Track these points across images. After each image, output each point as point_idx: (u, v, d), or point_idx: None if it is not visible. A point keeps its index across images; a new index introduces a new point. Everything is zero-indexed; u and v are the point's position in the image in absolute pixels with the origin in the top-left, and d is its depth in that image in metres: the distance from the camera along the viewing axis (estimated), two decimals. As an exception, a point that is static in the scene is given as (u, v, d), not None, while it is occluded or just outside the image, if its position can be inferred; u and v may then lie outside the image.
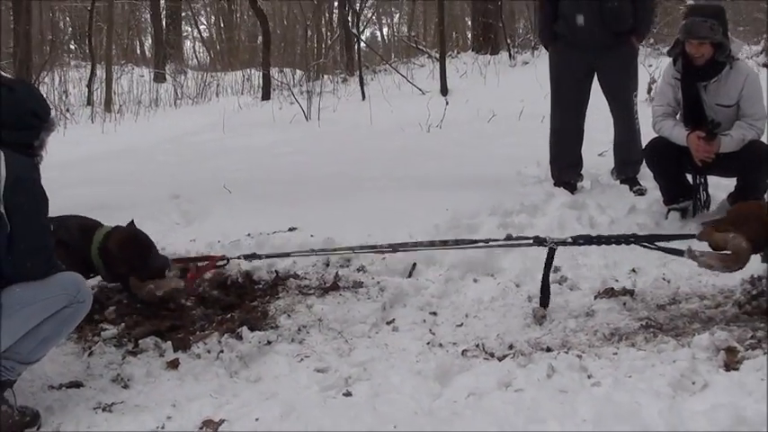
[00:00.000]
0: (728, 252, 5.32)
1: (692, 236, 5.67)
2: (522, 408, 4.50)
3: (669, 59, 7.37)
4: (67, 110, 18.44)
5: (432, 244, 6.56)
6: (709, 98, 7.03)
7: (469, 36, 25.10)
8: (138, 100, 20.66)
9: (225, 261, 6.43)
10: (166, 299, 6.07)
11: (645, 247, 6.14)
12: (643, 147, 7.78)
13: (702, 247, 5.52)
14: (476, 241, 6.48)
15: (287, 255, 6.61)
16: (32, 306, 4.60)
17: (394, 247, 6.53)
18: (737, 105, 7.00)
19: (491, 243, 6.45)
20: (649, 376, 4.71)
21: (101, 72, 21.93)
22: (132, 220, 6.28)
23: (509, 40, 21.14)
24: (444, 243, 6.54)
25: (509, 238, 6.52)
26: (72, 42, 35.36)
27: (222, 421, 4.61)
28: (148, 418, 4.70)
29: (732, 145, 6.86)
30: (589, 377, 4.80)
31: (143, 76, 24.58)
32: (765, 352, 4.90)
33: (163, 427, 4.63)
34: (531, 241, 6.18)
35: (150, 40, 36.65)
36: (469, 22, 25.71)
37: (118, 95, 21.12)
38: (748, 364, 4.80)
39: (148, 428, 4.60)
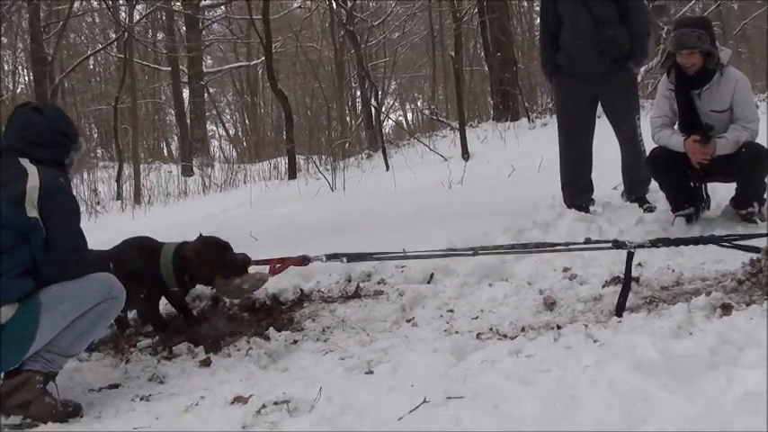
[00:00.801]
0: None
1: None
2: (529, 364, 4.80)
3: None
4: (98, 203, 18.72)
5: (512, 247, 6.95)
6: (703, 105, 7.34)
7: (490, 106, 25.38)
8: (167, 192, 20.95)
9: (307, 260, 6.76)
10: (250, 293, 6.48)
11: (722, 246, 6.47)
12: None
13: None
14: (555, 244, 6.84)
15: (369, 255, 6.86)
16: (69, 302, 5.01)
17: (475, 251, 6.81)
18: (731, 110, 7.30)
19: (571, 246, 6.78)
20: (649, 330, 4.99)
21: (129, 170, 22.28)
22: (201, 233, 6.55)
23: (527, 104, 21.54)
24: (524, 246, 6.88)
25: (588, 241, 6.85)
26: (98, 146, 35.79)
27: (251, 396, 4.90)
28: (183, 400, 5.02)
29: (728, 147, 7.14)
30: (594, 341, 5.05)
31: (171, 171, 24.90)
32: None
33: (197, 404, 4.92)
34: (611, 245, 6.48)
35: (176, 140, 37.16)
36: (489, 96, 25.98)
37: (146, 189, 21.43)
38: (741, 313, 5.08)
39: (182, 408, 4.90)
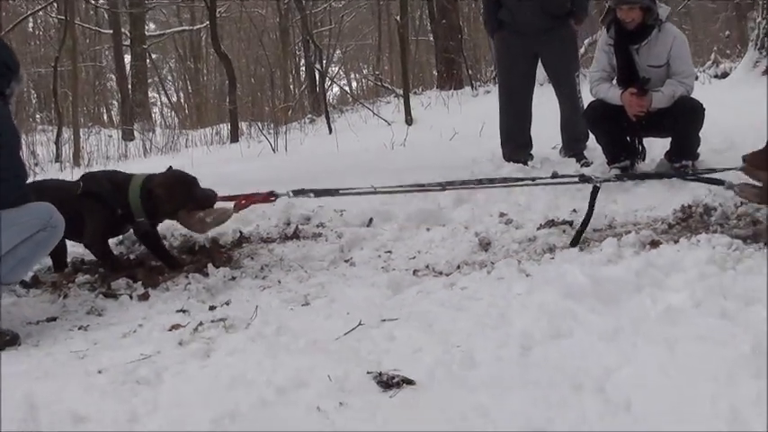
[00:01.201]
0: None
1: (733, 169, 6.03)
2: (463, 294, 4.97)
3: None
4: (36, 164, 18.52)
5: (479, 182, 7.05)
6: (641, 60, 7.45)
7: (435, 78, 25.43)
8: (107, 155, 20.76)
9: (274, 197, 6.73)
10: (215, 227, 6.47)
11: (688, 179, 6.68)
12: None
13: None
14: (522, 179, 7.01)
15: (336, 191, 6.85)
16: (9, 230, 4.97)
17: (443, 186, 6.91)
18: (667, 65, 7.41)
19: (537, 181, 6.95)
20: (579, 262, 5.14)
21: (68, 134, 22.03)
22: (170, 166, 6.58)
23: (471, 72, 21.66)
24: (491, 181, 6.96)
25: (555, 176, 6.97)
26: (37, 111, 35.31)
27: (189, 323, 4.98)
28: (121, 328, 5.07)
29: (663, 101, 7.25)
30: (527, 275, 5.19)
31: (111, 135, 24.62)
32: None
33: (134, 331, 4.99)
34: (577, 179, 6.68)
35: (117, 105, 36.84)
36: (435, 68, 26.02)
37: (86, 152, 21.22)
38: (668, 246, 5.26)
39: (120, 334, 4.97)
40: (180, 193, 6.21)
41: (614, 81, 7.59)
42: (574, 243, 5.88)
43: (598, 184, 6.36)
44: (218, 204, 6.39)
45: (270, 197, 6.70)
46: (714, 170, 6.57)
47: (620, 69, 7.49)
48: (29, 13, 29.53)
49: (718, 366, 3.38)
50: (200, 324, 4.83)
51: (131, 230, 6.51)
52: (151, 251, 6.47)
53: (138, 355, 4.39)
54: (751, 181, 5.75)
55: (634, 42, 7.41)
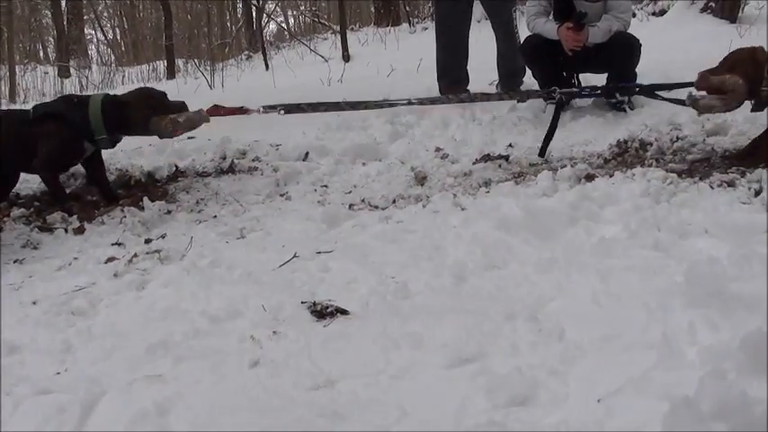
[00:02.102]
0: (726, 92, 5.57)
1: (691, 84, 5.90)
2: (398, 227, 4.98)
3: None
4: (-32, 101, 18.32)
5: (448, 99, 7.25)
6: (578, -6, 7.45)
7: (372, 14, 25.28)
8: (43, 92, 20.56)
9: (246, 110, 6.75)
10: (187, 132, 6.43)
11: (648, 96, 6.74)
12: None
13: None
14: (490, 95, 7.17)
15: (305, 106, 6.95)
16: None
17: (409, 101, 7.09)
18: (604, 1, 7.41)
19: (504, 96, 7.17)
20: (514, 195, 5.19)
21: (3, 71, 21.80)
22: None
23: (408, 8, 21.57)
24: (460, 99, 7.08)
25: (520, 93, 7.03)
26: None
27: (124, 256, 4.97)
28: (57, 261, 5.07)
29: (599, 35, 7.25)
30: (462, 209, 5.20)
31: (47, 72, 24.42)
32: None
33: (70, 264, 4.99)
34: (541, 92, 6.86)
35: (52, 42, 36.37)
36: (372, 2, 25.86)
37: (22, 88, 21.02)
38: (603, 179, 5.29)
39: (55, 267, 4.96)
40: (153, 101, 6.21)
41: (551, 16, 7.56)
42: (541, 154, 6.23)
43: (562, 98, 6.65)
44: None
45: (241, 110, 6.75)
46: (670, 86, 6.55)
47: (557, 4, 7.46)
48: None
49: (650, 296, 3.41)
50: (135, 256, 4.85)
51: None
52: (94, 178, 6.44)
53: (73, 287, 4.42)
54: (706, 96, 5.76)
55: (571, -24, 7.38)
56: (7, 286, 4.64)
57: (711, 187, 4.95)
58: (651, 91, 6.66)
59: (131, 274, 4.57)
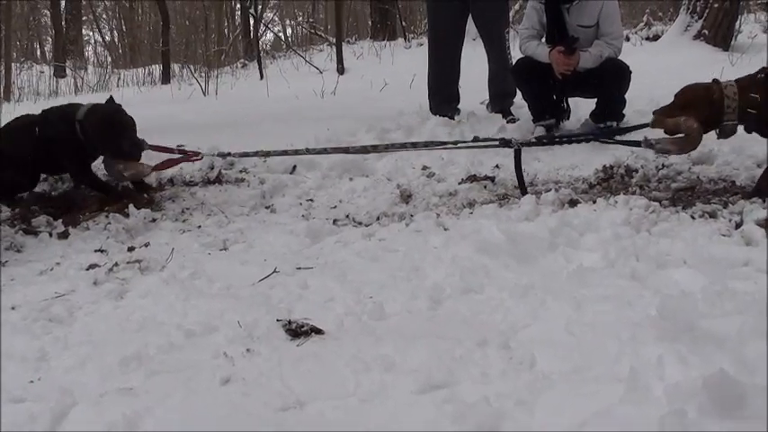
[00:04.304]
0: (682, 135, 5.62)
1: (646, 125, 6.03)
2: (380, 245, 5.01)
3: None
4: (-35, 96, 18.33)
5: (403, 145, 6.90)
6: (571, 19, 7.46)
7: (369, 27, 25.34)
8: (38, 91, 20.59)
9: (200, 156, 6.76)
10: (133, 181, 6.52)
11: (603, 142, 6.73)
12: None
13: (657, 135, 5.86)
14: (445, 143, 6.85)
15: (265, 154, 6.83)
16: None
17: (366, 148, 6.96)
18: (597, 26, 7.45)
19: (459, 145, 6.84)
20: (497, 217, 5.21)
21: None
22: (111, 96, 6.61)
23: (404, 24, 21.64)
24: (414, 145, 6.81)
25: (476, 139, 6.91)
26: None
27: (106, 263, 4.99)
28: (39, 266, 5.09)
29: (590, 61, 7.28)
30: (445, 229, 5.23)
31: (43, 72, 24.46)
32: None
33: (52, 269, 5.00)
34: (498, 143, 6.57)
35: (50, 42, 36.42)
36: (369, 17, 25.92)
37: (17, 87, 21.05)
38: (586, 205, 5.32)
39: (37, 271, 4.97)
40: (107, 136, 6.24)
41: (543, 39, 7.61)
42: (523, 190, 6.10)
43: (518, 147, 6.35)
44: (143, 158, 6.44)
45: (195, 157, 6.74)
46: (628, 129, 6.67)
47: (550, 28, 7.51)
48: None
49: (622, 327, 3.43)
50: (116, 265, 4.86)
51: None
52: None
53: (53, 293, 4.42)
54: (666, 136, 5.80)
55: (566, 2, 7.42)
56: (-12, 290, 4.61)
57: (693, 217, 4.98)
58: (609, 136, 6.72)
59: (111, 282, 4.58)
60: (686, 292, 3.58)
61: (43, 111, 6.44)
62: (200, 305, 4.12)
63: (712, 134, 5.57)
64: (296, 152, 6.73)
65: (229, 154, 6.82)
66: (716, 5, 12.75)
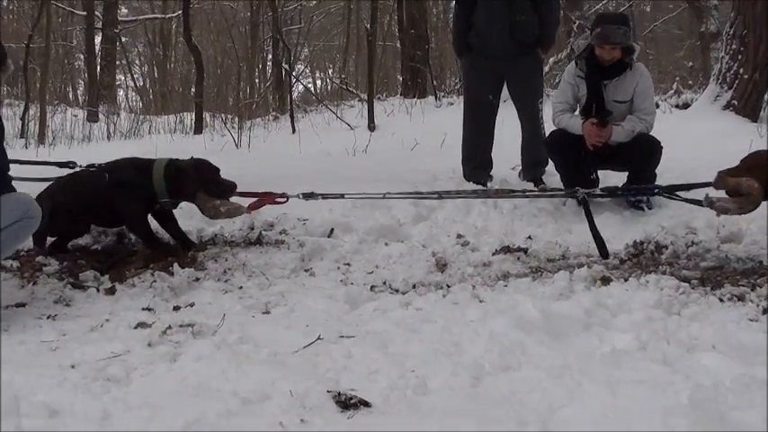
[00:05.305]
0: (742, 195, 5.79)
1: (709, 183, 6.17)
2: (418, 315, 5.17)
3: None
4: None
5: (474, 192, 7.51)
6: (608, 95, 7.68)
7: (399, 83, 25.47)
8: (71, 135, 20.72)
9: (285, 198, 7.13)
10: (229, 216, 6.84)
11: (666, 197, 6.99)
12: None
13: (719, 194, 6.05)
14: (514, 191, 7.36)
15: (341, 196, 7.28)
16: (-12, 219, 5.17)
17: (440, 194, 7.47)
18: (631, 101, 7.68)
19: (528, 193, 7.41)
20: (531, 293, 5.38)
21: (34, 110, 22.03)
22: (192, 156, 7.03)
23: (435, 82, 21.79)
24: (485, 192, 7.33)
25: (543, 190, 7.36)
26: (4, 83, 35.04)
27: (155, 322, 5.16)
28: (89, 321, 5.24)
29: (623, 135, 7.51)
30: (480, 300, 5.43)
31: (76, 116, 24.58)
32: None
33: (101, 326, 5.16)
34: (564, 192, 7.03)
35: (83, 86, 36.71)
36: (399, 73, 26.05)
37: (51, 130, 21.22)
38: (618, 284, 5.50)
39: (88, 328, 5.14)
40: (205, 175, 6.66)
41: (577, 112, 7.81)
42: (603, 254, 6.40)
43: (583, 197, 6.81)
44: (234, 198, 6.79)
45: (281, 198, 7.10)
46: (690, 186, 6.76)
47: (588, 101, 7.72)
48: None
49: (654, 413, 3.58)
50: (169, 327, 4.98)
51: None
52: (168, 230, 6.92)
53: (109, 353, 4.55)
54: (725, 196, 5.95)
55: (606, 78, 7.64)
56: (43, 344, 4.79)
57: (721, 300, 5.15)
58: (671, 191, 6.85)
59: (164, 345, 4.71)
60: (716, 382, 3.74)
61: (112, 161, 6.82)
62: (251, 372, 4.25)
63: None
64: (370, 196, 7.32)
65: (312, 194, 7.15)
66: (746, 77, 12.86)
